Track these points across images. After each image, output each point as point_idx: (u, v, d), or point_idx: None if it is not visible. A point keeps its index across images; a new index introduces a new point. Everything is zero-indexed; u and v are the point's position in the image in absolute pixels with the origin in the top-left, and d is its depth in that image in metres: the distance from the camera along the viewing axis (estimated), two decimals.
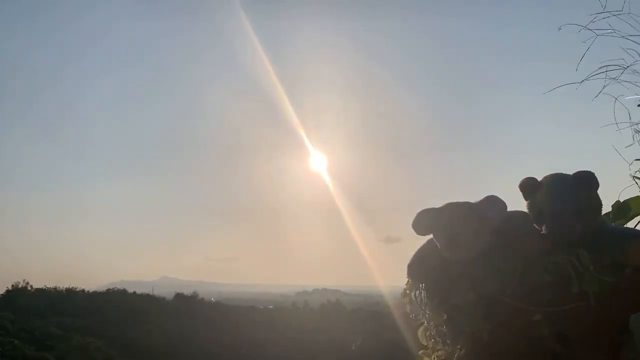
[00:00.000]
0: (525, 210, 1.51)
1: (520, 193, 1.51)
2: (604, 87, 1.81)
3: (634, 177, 1.75)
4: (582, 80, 1.84)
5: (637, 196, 1.67)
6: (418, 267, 1.52)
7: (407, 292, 1.57)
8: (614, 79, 1.79)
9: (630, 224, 1.66)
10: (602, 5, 1.80)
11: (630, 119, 1.83)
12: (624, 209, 1.64)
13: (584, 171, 1.47)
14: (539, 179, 1.50)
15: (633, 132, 1.82)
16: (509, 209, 1.47)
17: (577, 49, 1.85)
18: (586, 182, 1.44)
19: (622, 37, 1.78)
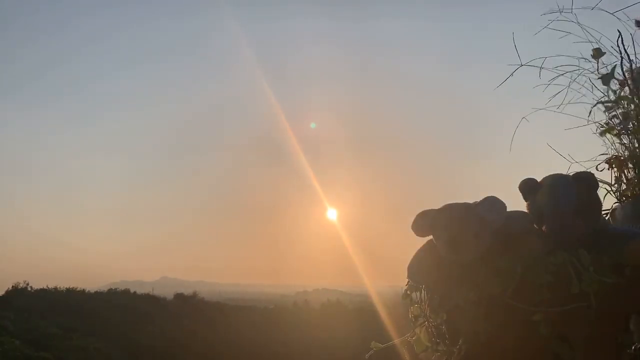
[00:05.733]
0: (525, 210, 1.51)
1: (520, 194, 1.52)
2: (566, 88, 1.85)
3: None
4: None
5: None
6: (418, 268, 1.52)
7: (408, 293, 1.57)
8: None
9: None
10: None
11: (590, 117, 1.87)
12: None
13: (583, 172, 1.49)
14: (539, 179, 1.51)
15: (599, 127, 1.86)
16: (508, 210, 1.48)
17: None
18: (586, 182, 1.45)
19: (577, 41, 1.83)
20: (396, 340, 1.62)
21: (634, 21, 1.79)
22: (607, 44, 1.81)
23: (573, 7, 1.82)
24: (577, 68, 1.84)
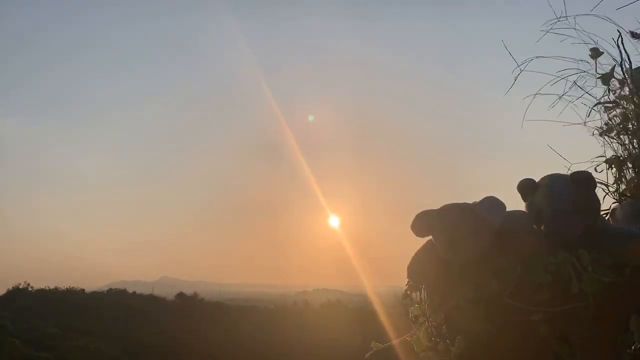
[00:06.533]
0: (524, 210, 1.51)
1: (519, 194, 1.52)
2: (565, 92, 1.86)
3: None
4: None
5: None
6: (418, 268, 1.52)
7: (408, 293, 1.57)
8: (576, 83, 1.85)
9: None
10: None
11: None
12: None
13: (581, 172, 1.48)
14: (538, 179, 1.51)
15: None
16: (508, 210, 1.48)
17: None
18: (584, 182, 1.44)
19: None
20: (395, 340, 1.63)
21: (629, 33, 1.80)
22: (606, 47, 1.82)
23: (572, 13, 1.84)
24: (577, 70, 1.84)
